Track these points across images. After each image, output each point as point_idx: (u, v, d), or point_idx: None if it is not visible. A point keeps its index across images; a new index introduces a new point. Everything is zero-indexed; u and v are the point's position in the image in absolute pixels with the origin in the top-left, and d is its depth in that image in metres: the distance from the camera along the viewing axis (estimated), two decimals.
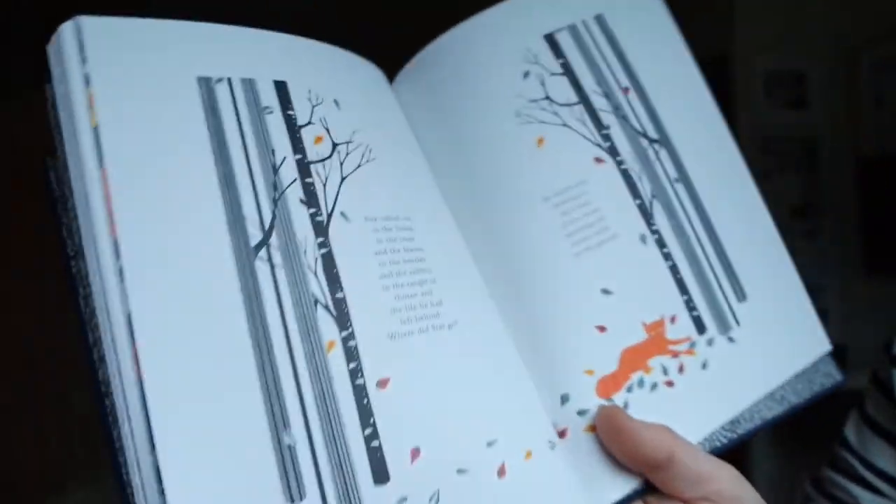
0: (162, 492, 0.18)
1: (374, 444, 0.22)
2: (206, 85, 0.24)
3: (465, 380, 0.25)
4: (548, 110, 0.30)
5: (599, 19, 0.33)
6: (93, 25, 0.22)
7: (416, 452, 0.23)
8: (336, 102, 0.27)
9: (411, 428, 0.23)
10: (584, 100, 0.31)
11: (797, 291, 0.33)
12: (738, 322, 0.31)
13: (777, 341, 0.31)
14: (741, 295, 0.31)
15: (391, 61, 0.33)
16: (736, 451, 0.27)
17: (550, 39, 0.32)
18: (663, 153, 0.32)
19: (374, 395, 0.22)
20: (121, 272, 0.20)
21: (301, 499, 0.20)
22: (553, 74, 0.31)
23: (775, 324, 0.32)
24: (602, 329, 0.28)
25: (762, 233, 0.33)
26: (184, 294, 0.21)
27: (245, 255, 0.22)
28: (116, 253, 0.20)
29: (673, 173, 0.32)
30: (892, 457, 0.40)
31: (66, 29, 0.22)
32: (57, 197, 0.23)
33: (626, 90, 0.32)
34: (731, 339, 0.30)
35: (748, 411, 0.30)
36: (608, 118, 0.31)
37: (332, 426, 0.22)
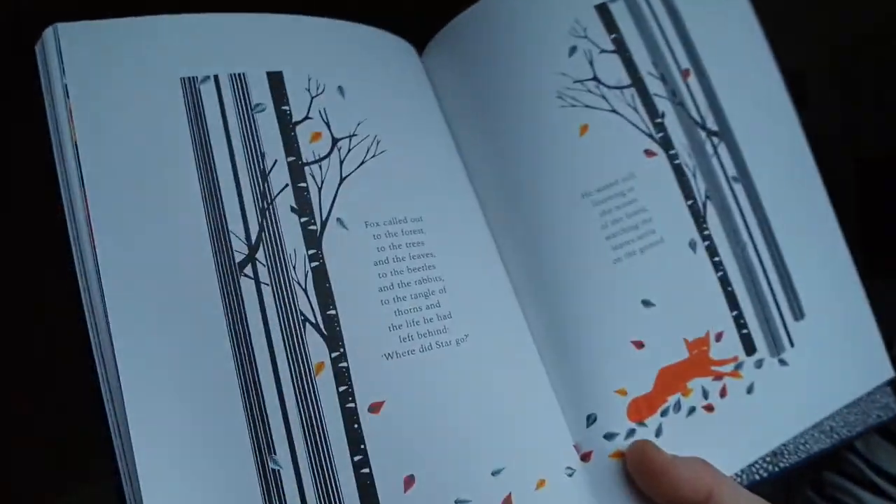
0: None
1: (364, 470, 0.20)
2: (191, 86, 0.22)
3: (471, 402, 0.22)
4: (595, 93, 0.27)
5: None
6: (71, 32, 0.21)
7: (410, 481, 0.21)
8: (340, 90, 0.24)
9: (406, 454, 0.21)
10: (636, 82, 0.27)
11: (861, 312, 0.30)
12: (792, 343, 0.28)
13: (834, 366, 0.28)
14: (799, 313, 0.28)
15: (424, 30, 0.30)
16: None
17: (603, 10, 0.28)
18: (722, 147, 0.28)
19: (366, 420, 0.21)
20: (101, 291, 0.19)
21: None
22: (603, 52, 0.27)
23: (834, 347, 0.29)
24: (639, 345, 0.25)
25: (829, 244, 0.30)
26: (164, 313, 0.20)
27: (229, 272, 0.21)
28: (97, 272, 0.20)
29: (732, 171, 0.28)
30: None
31: (48, 35, 0.21)
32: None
33: (685, 72, 0.28)
34: (782, 362, 0.27)
35: (793, 443, 0.27)
36: (663, 104, 0.28)
37: (318, 452, 0.20)
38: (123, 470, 0.19)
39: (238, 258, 0.21)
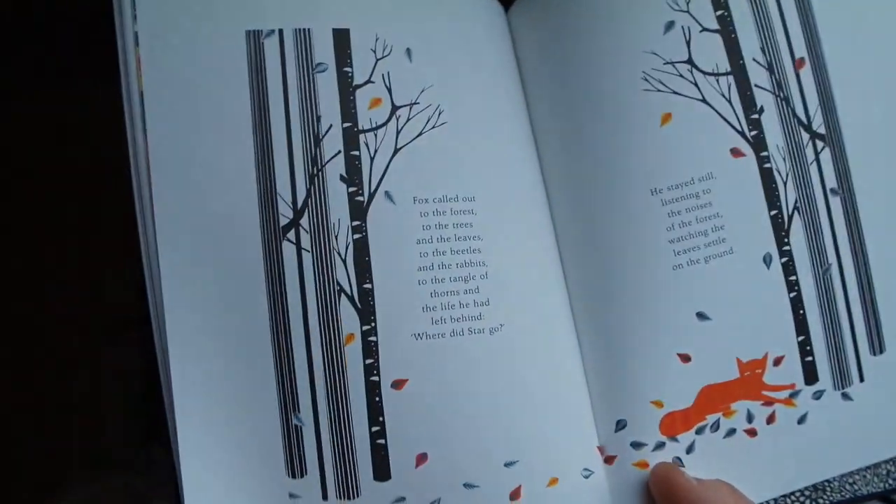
0: (177, 451, 0.20)
1: (380, 441, 0.21)
2: (255, 40, 0.22)
3: (495, 393, 0.22)
4: (686, 78, 0.25)
5: None
6: None
7: (422, 458, 0.22)
8: (408, 52, 0.24)
9: (422, 433, 0.22)
10: (736, 69, 0.25)
11: None
12: (862, 378, 0.26)
13: None
14: (878, 347, 0.26)
15: None
16: None
17: None
18: (826, 154, 0.25)
19: (388, 395, 0.22)
20: (155, 242, 0.21)
21: (301, 475, 0.21)
22: (704, 30, 0.25)
23: None
24: (686, 358, 0.24)
25: None
26: (209, 268, 0.21)
27: (273, 234, 0.22)
28: (153, 223, 0.21)
29: (831, 182, 0.25)
30: None
31: None
32: None
33: (799, 62, 0.25)
34: (846, 396, 0.25)
35: (839, 480, 0.25)
36: (764, 98, 0.25)
37: (339, 417, 0.21)
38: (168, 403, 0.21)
39: (283, 222, 0.22)
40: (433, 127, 0.23)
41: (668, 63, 0.25)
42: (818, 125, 0.25)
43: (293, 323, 0.21)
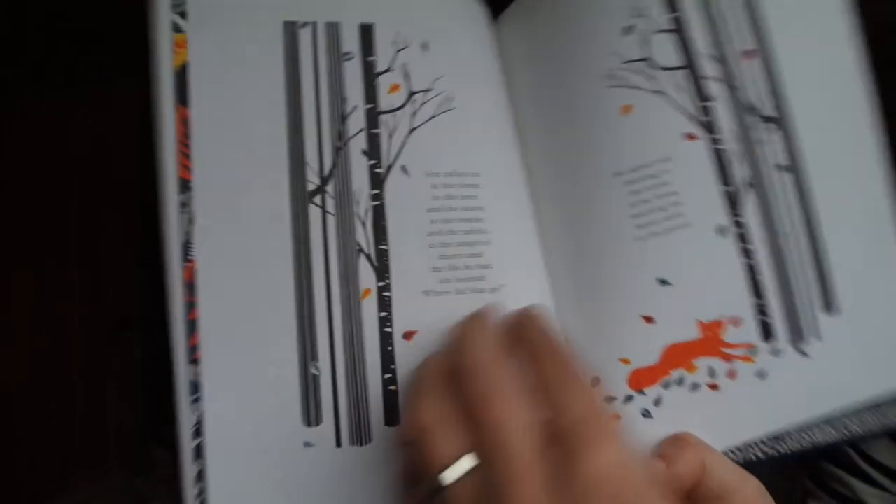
0: (197, 399, 0.24)
1: (391, 388, 0.26)
2: (291, 29, 0.27)
3: None
4: (644, 73, 0.30)
5: None
6: None
7: None
8: (424, 46, 0.29)
9: None
10: (690, 64, 0.30)
11: None
12: (819, 336, 0.30)
13: (861, 364, 0.30)
14: (832, 307, 0.31)
15: None
16: None
17: None
18: (776, 135, 0.30)
19: (399, 345, 0.26)
20: (184, 205, 0.25)
21: (317, 423, 0.25)
22: (660, 31, 0.30)
23: (867, 345, 0.31)
24: (649, 320, 0.29)
25: (881, 244, 0.31)
26: (240, 225, 0.25)
27: (301, 198, 0.26)
28: (184, 186, 0.25)
29: (782, 159, 0.30)
30: (893, 451, 0.39)
31: None
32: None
33: (748, 53, 0.31)
34: (803, 353, 0.30)
35: (797, 431, 0.30)
36: (715, 88, 0.30)
37: (354, 365, 0.26)
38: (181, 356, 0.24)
39: (310, 187, 0.27)
40: (444, 111, 0.29)
41: (628, 62, 0.30)
42: (769, 109, 0.30)
43: (316, 278, 0.25)
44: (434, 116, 0.29)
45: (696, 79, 0.30)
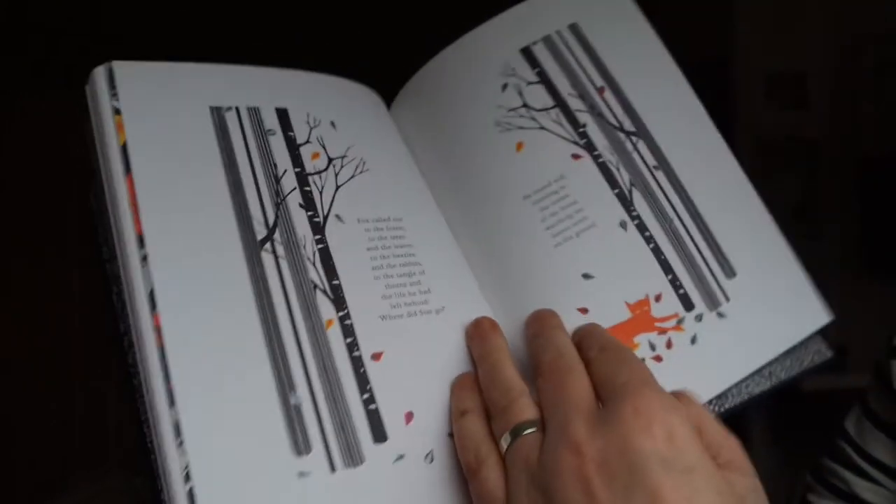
0: (181, 444, 0.24)
1: (372, 407, 0.28)
2: (217, 112, 0.32)
3: (452, 355, 0.31)
4: (525, 116, 0.37)
5: (574, 28, 0.39)
6: (122, 67, 0.30)
7: (409, 416, 0.29)
8: (332, 124, 0.34)
9: (404, 395, 0.29)
10: (560, 103, 0.37)
11: (789, 267, 0.37)
12: (727, 298, 0.35)
13: (769, 317, 0.34)
14: (730, 271, 0.36)
15: (395, 84, 0.41)
16: None
17: (526, 52, 0.38)
18: (641, 144, 0.37)
19: (370, 366, 0.29)
20: (145, 258, 0.27)
21: (307, 452, 0.26)
22: (530, 83, 0.38)
23: (767, 299, 0.36)
24: (584, 311, 0.33)
25: (750, 211, 0.38)
26: (199, 275, 0.27)
27: (252, 246, 0.29)
28: (141, 242, 0.27)
29: (651, 161, 0.37)
30: (888, 447, 0.43)
31: (99, 71, 0.30)
32: (94, 210, 0.31)
33: (601, 90, 0.38)
34: (721, 315, 0.35)
35: (736, 386, 0.33)
36: (584, 117, 0.37)
37: (332, 390, 0.28)
38: (154, 423, 0.24)
39: (259, 236, 0.29)
40: (361, 172, 0.34)
41: (510, 110, 0.37)
42: (629, 126, 0.38)
43: (280, 316, 0.27)
44: (353, 176, 0.34)
45: (567, 113, 0.37)
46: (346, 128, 0.35)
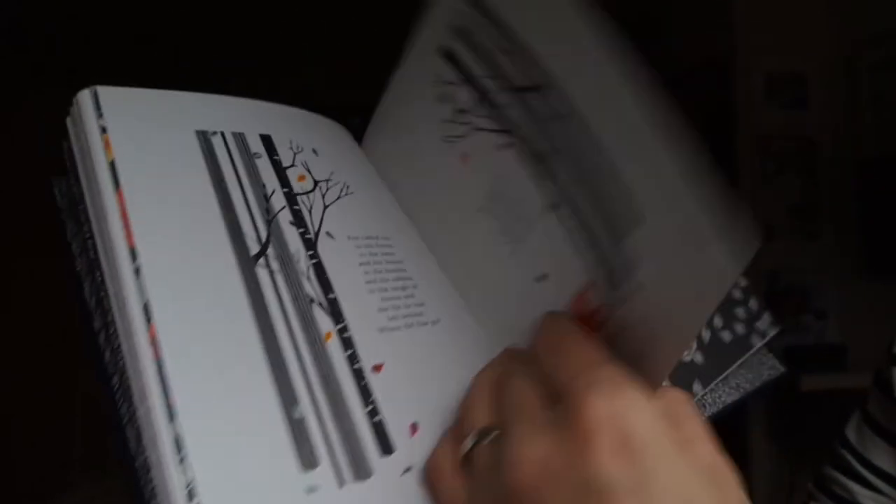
0: (182, 460, 0.23)
1: (377, 419, 0.28)
2: (204, 136, 0.31)
3: (451, 366, 0.32)
4: (460, 122, 0.38)
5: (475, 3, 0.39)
6: (107, 91, 0.29)
7: (414, 427, 0.29)
8: (314, 151, 0.35)
9: (407, 406, 0.29)
10: (480, 91, 0.36)
11: None
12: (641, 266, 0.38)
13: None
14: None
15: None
16: (735, 451, 0.27)
17: (446, 53, 0.38)
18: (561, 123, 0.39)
19: (371, 378, 0.29)
20: (138, 271, 0.26)
21: (315, 467, 0.25)
22: (454, 84, 0.38)
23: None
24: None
25: (651, 148, 0.37)
26: (195, 289, 0.26)
27: (247, 262, 0.29)
28: (133, 255, 0.26)
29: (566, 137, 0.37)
30: (889, 455, 0.46)
31: (84, 95, 0.29)
32: (61, 207, 0.30)
33: (509, 52, 0.38)
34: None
35: (710, 396, 0.37)
36: (501, 97, 0.35)
37: (336, 403, 0.27)
38: (151, 437, 0.23)
39: (252, 252, 0.29)
40: (346, 195, 0.34)
41: (448, 121, 0.37)
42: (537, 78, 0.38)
43: (278, 328, 0.27)
44: (339, 197, 0.34)
45: (488, 99, 0.36)
46: (328, 154, 0.35)
